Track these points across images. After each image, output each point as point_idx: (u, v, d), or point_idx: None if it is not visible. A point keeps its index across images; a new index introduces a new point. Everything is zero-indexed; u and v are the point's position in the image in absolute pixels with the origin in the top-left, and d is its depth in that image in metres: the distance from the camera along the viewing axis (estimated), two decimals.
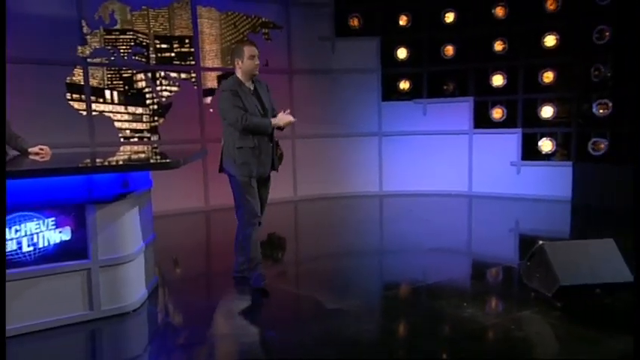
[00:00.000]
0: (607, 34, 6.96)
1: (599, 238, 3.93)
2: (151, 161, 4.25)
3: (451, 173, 8.38)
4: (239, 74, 4.10)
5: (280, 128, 4.14)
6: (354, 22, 8.54)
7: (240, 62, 4.06)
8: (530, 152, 7.87)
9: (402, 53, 8.50)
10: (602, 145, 7.16)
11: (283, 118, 4.08)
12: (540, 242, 3.85)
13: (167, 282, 4.65)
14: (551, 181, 7.70)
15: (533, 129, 7.83)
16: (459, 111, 8.29)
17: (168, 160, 3.91)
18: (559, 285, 3.57)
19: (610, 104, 7.04)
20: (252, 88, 4.11)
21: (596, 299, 3.67)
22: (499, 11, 7.86)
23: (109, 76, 7.94)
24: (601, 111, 7.12)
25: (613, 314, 3.55)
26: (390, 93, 8.66)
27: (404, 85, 8.60)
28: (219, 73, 8.58)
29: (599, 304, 3.64)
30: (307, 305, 4.02)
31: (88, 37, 7.22)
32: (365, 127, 8.65)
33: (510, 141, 7.98)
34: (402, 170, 8.58)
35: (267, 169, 4.18)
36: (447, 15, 8.24)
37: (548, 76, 7.57)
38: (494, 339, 3.35)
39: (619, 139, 7.06)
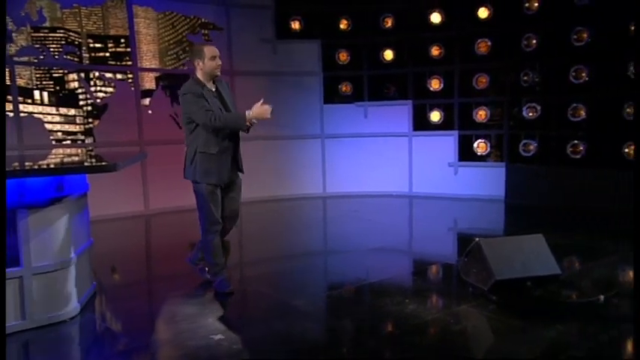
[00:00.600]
0: (534, 42, 7.41)
1: (530, 234, 4.18)
2: (87, 164, 4.12)
3: (392, 174, 8.61)
4: (200, 75, 4.03)
5: (249, 127, 4.00)
6: (295, 25, 8.61)
7: (200, 63, 3.99)
8: (466, 154, 8.22)
9: (342, 56, 8.65)
10: (532, 147, 7.59)
11: (260, 109, 3.91)
12: (477, 239, 4.04)
13: (105, 288, 4.50)
14: (486, 181, 8.06)
15: (468, 131, 8.18)
16: (399, 114, 8.53)
17: (104, 163, 3.81)
18: (494, 279, 3.77)
19: (538, 108, 7.48)
20: (214, 90, 4.05)
21: (527, 291, 3.89)
22: (435, 18, 8.17)
23: (37, 75, 7.60)
24: (530, 114, 7.56)
25: (542, 305, 3.77)
26: (332, 96, 8.79)
27: (345, 88, 8.76)
28: (158, 74, 8.41)
29: (530, 296, 3.87)
30: (254, 307, 4.03)
31: (14, 34, 6.87)
32: (308, 129, 8.73)
33: (448, 143, 8.30)
34: (345, 172, 8.73)
35: (229, 175, 4.09)
36: (385, 20, 8.47)
37: (482, 81, 7.96)
38: (434, 333, 3.48)
39: (547, 140, 7.52)
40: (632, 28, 6.43)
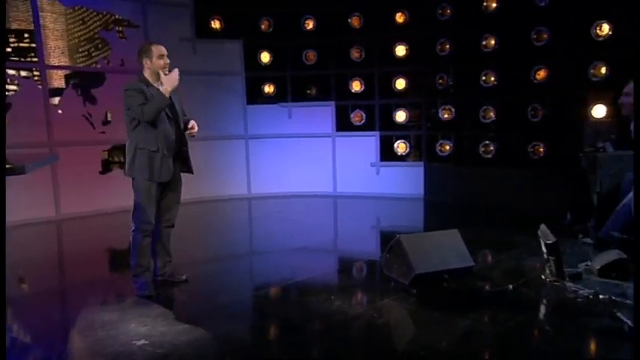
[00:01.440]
0: (448, 46, 7.84)
1: (447, 230, 4.43)
2: None
3: (317, 175, 8.75)
4: (147, 74, 4.05)
5: (191, 130, 4.16)
6: (216, 24, 8.52)
7: (148, 62, 4.03)
8: (387, 154, 8.53)
9: (265, 57, 8.67)
10: (448, 147, 8.03)
11: (168, 78, 3.96)
12: (398, 236, 4.23)
13: (13, 300, 4.24)
14: (406, 181, 8.41)
15: (389, 132, 8.49)
16: (323, 115, 8.70)
17: (10, 166, 3.59)
18: (414, 273, 3.97)
19: (453, 110, 7.93)
20: (160, 90, 4.01)
21: (444, 284, 4.13)
22: (355, 21, 8.39)
23: None
24: (446, 116, 8.00)
25: (458, 296, 4.03)
26: (255, 96, 8.80)
27: (268, 88, 8.79)
28: (67, 72, 7.99)
29: (447, 288, 4.11)
30: (179, 310, 3.97)
31: None
32: (231, 129, 8.67)
33: (370, 143, 8.57)
34: (270, 173, 8.76)
35: (170, 173, 4.09)
36: (307, 22, 8.59)
37: (401, 83, 8.29)
38: (359, 327, 3.61)
39: (461, 141, 7.97)
40: (533, 36, 6.97)
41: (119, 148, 7.77)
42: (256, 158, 8.82)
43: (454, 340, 3.35)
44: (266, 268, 5.19)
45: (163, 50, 4.08)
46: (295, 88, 8.80)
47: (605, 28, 6.35)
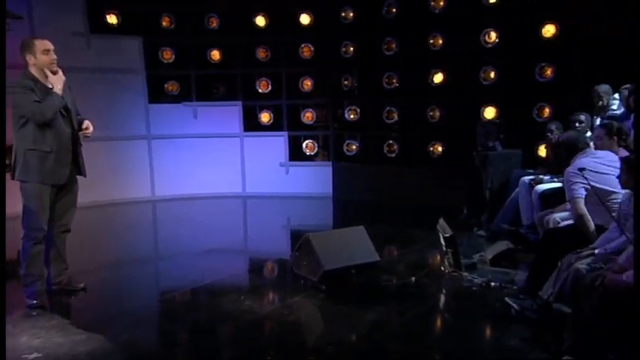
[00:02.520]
0: (352, 49, 8.10)
1: (354, 226, 4.60)
2: None
3: (225, 175, 8.64)
4: (33, 71, 3.82)
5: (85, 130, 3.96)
6: (112, 19, 8.12)
7: (32, 58, 3.81)
8: (296, 154, 8.63)
9: (167, 55, 8.41)
10: (354, 147, 8.30)
11: (54, 78, 3.80)
12: (307, 234, 4.33)
13: None
14: (315, 180, 8.56)
15: (297, 132, 8.61)
16: (229, 114, 8.61)
17: None
18: (323, 270, 4.09)
19: (358, 110, 8.21)
20: (50, 86, 3.80)
21: (351, 279, 4.30)
22: (259, 21, 8.37)
23: None
24: (352, 116, 8.26)
25: (365, 290, 4.21)
26: (158, 95, 8.51)
27: (172, 87, 8.54)
28: None
29: (354, 283, 4.28)
30: (80, 319, 3.77)
31: None
32: (132, 129, 8.33)
33: (278, 143, 8.63)
34: (175, 174, 8.51)
35: (66, 175, 3.90)
36: (211, 20, 8.44)
37: (307, 84, 8.44)
38: (270, 326, 3.67)
39: (367, 141, 8.28)
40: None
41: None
42: (160, 159, 8.53)
43: (362, 332, 3.50)
44: (173, 271, 5.07)
45: (48, 45, 3.87)
46: (200, 88, 8.63)
47: (493, 36, 6.89)
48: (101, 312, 3.92)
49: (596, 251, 3.12)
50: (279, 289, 4.45)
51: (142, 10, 8.30)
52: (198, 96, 8.62)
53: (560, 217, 4.15)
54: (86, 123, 4.04)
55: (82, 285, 4.23)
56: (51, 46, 3.88)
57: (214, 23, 8.46)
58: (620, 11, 5.63)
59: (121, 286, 4.64)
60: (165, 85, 8.52)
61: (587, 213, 3.54)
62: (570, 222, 3.90)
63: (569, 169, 3.75)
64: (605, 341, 2.43)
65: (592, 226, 3.52)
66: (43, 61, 3.82)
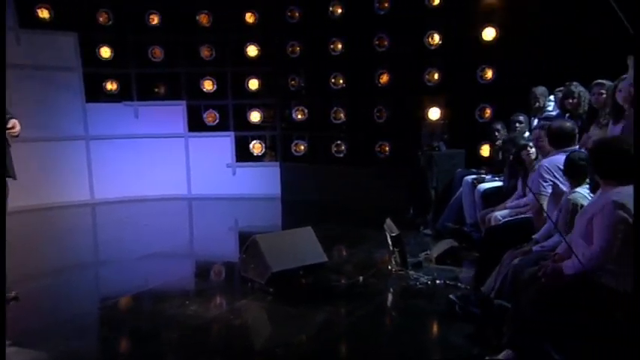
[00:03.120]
0: (298, 49, 8.10)
1: (302, 227, 4.60)
2: None
3: (169, 177, 8.46)
4: None
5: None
6: (44, 14, 7.76)
7: None
8: (243, 154, 8.56)
9: (105, 52, 8.13)
10: (302, 147, 8.33)
11: None
12: (254, 236, 4.30)
13: None
14: (263, 181, 8.52)
15: (244, 132, 8.54)
16: (173, 114, 8.45)
17: None
18: (270, 272, 4.07)
19: (306, 111, 8.24)
20: None
21: (300, 280, 4.30)
22: (203, 19, 8.25)
23: None
24: (299, 116, 8.28)
25: (313, 291, 4.23)
26: (96, 94, 8.21)
27: (111, 86, 8.26)
28: None
29: (303, 284, 4.29)
30: (17, 330, 3.57)
31: None
32: (68, 130, 8.00)
33: (225, 144, 8.53)
34: (117, 176, 8.24)
35: None
36: (151, 17, 8.22)
37: (254, 84, 8.37)
38: (217, 330, 3.63)
39: (315, 141, 8.31)
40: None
41: None
42: (100, 160, 8.22)
43: (310, 333, 3.53)
44: (115, 277, 4.92)
45: None
46: (142, 86, 8.41)
47: (436, 38, 7.08)
48: (36, 322, 3.74)
49: (533, 248, 3.27)
50: (226, 292, 4.41)
51: (77, 5, 7.97)
52: (139, 95, 8.39)
53: (501, 214, 4.31)
54: (12, 122, 3.83)
55: (13, 294, 4.00)
56: None
57: (155, 20, 8.25)
58: (558, 13, 5.94)
59: (58, 294, 4.46)
60: (104, 84, 8.23)
61: (545, 209, 3.63)
62: (510, 219, 4.07)
63: (545, 162, 3.77)
64: (542, 334, 2.54)
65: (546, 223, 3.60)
66: None
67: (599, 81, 4.37)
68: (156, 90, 8.59)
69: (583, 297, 2.53)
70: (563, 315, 2.53)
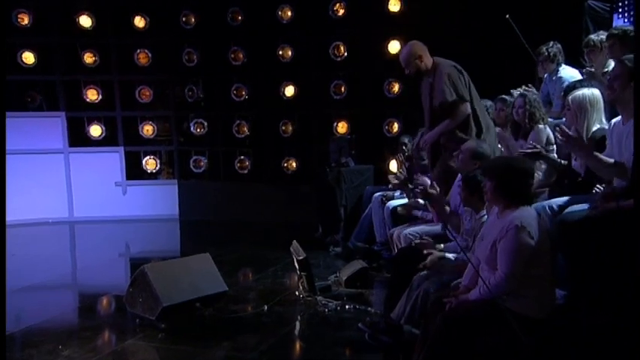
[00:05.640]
0: (195, 57, 7.80)
1: (201, 252, 4.36)
2: None
3: (47, 198, 7.86)
4: None
5: None
6: None
7: None
8: (135, 171, 8.13)
9: None
10: (202, 163, 8.05)
11: None
12: (142, 266, 3.99)
13: None
14: (158, 200, 8.15)
15: (135, 147, 8.11)
16: (50, 127, 7.88)
17: None
18: (162, 306, 3.79)
19: (205, 124, 7.97)
20: None
21: (197, 313, 4.05)
22: (84, 21, 7.65)
23: None
24: (198, 130, 8.00)
25: (213, 324, 4.00)
26: None
27: None
28: None
29: (200, 317, 4.04)
30: None
31: None
32: None
33: (113, 160, 8.07)
34: None
35: None
36: (21, 16, 7.57)
37: (146, 94, 7.93)
38: None
39: (216, 156, 8.07)
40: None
41: None
42: None
43: None
44: None
45: None
46: (11, 95, 7.68)
47: (342, 49, 7.17)
48: None
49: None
50: (108, 331, 4.06)
51: None
52: (8, 105, 7.68)
53: (412, 231, 4.33)
54: None
55: None
56: None
57: (25, 20, 7.59)
58: (464, 24, 6.23)
59: None
60: None
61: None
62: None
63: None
64: None
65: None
66: None
67: (502, 97, 4.60)
68: (28, 100, 7.92)
69: (489, 323, 2.56)
70: (470, 343, 2.54)
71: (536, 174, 3.03)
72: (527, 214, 2.64)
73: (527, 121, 4.05)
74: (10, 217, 7.39)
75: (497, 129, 4.44)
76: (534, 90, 4.56)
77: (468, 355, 2.53)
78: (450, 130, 4.12)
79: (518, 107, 4.13)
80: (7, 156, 7.46)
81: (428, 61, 4.22)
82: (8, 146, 7.54)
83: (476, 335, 2.55)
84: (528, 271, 2.57)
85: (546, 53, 4.85)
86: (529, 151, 3.52)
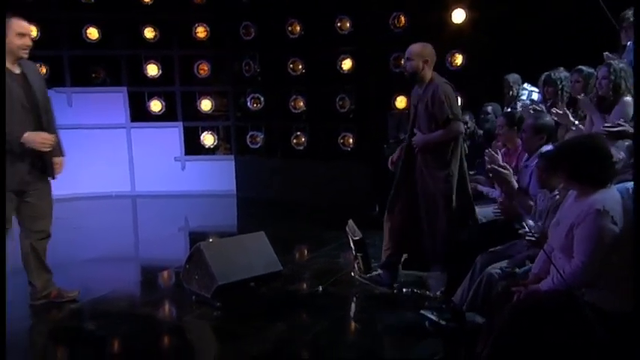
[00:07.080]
0: (252, 30, 7.71)
1: (257, 230, 4.31)
2: None
3: (110, 172, 8.04)
4: None
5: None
6: None
7: None
8: (193, 147, 8.20)
9: (32, 31, 7.56)
10: (259, 138, 8.01)
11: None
12: (198, 243, 4.00)
13: None
14: (216, 175, 8.20)
15: (194, 122, 8.17)
16: (112, 102, 8.01)
17: None
18: (217, 284, 3.80)
19: (262, 99, 7.91)
20: (17, 72, 3.56)
21: (251, 292, 4.03)
22: None
23: None
24: (255, 105, 7.95)
25: (266, 304, 3.97)
26: None
27: (40, 69, 7.73)
28: None
29: (255, 296, 4.02)
30: None
31: None
32: None
33: (172, 135, 8.16)
34: None
35: (27, 178, 3.64)
36: None
37: (203, 69, 7.93)
38: (155, 353, 3.35)
39: (272, 132, 8.03)
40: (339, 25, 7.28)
41: None
42: None
43: (262, 352, 3.29)
44: None
45: (26, 28, 3.61)
46: (75, 70, 7.88)
47: (402, 20, 6.88)
48: None
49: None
50: (167, 306, 4.13)
51: None
52: (73, 80, 7.89)
53: (483, 213, 4.11)
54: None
55: None
56: (29, 30, 3.65)
57: None
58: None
59: None
60: None
61: None
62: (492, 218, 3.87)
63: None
64: (518, 357, 2.38)
65: None
66: (16, 45, 3.55)
67: (578, 67, 4.26)
68: (93, 75, 8.09)
69: (562, 316, 2.37)
70: (541, 336, 2.36)
71: (620, 153, 2.72)
72: (610, 197, 2.39)
73: (611, 93, 3.64)
74: (76, 190, 7.77)
75: (582, 95, 4.08)
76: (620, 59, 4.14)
77: (537, 349, 2.36)
78: (440, 142, 3.86)
79: (602, 78, 3.60)
80: (70, 131, 7.81)
81: (428, 70, 3.94)
82: (72, 121, 7.86)
83: (547, 328, 2.36)
84: (609, 260, 2.34)
85: (631, 19, 4.40)
86: (613, 129, 3.17)
